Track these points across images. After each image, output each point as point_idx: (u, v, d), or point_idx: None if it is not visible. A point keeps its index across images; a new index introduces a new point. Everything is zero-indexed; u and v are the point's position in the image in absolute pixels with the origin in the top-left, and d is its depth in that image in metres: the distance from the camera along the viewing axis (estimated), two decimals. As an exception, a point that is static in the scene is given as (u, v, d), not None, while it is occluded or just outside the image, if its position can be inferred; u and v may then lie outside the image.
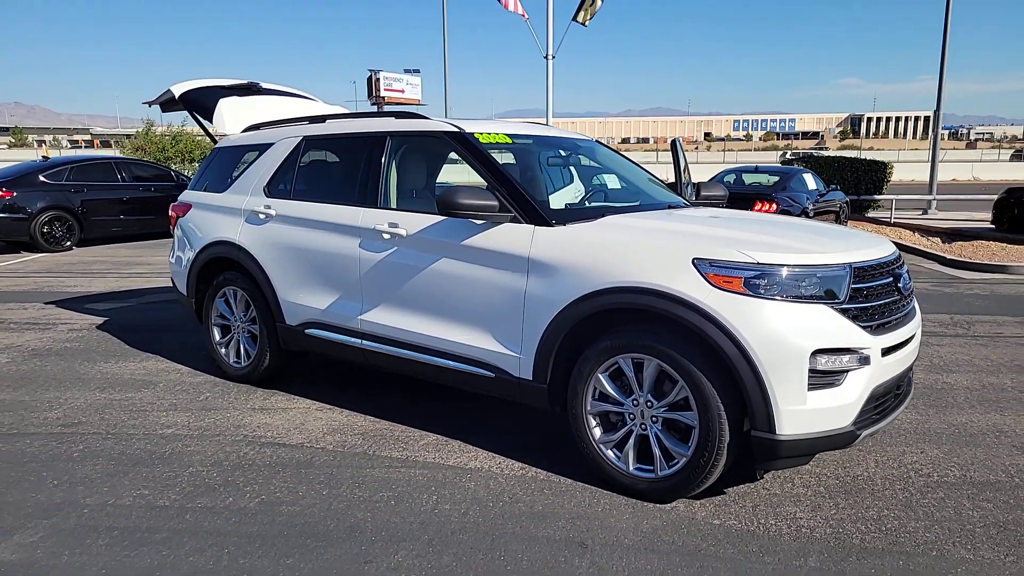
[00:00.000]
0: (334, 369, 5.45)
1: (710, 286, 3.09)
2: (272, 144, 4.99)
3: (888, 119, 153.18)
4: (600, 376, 3.42)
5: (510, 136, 4.32)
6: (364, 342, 4.30)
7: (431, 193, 4.53)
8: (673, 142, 5.78)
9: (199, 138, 22.96)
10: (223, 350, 5.20)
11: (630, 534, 3.06)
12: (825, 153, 32.91)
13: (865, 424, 3.19)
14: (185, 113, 6.08)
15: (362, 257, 4.24)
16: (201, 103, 5.67)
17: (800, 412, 3.00)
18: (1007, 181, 36.50)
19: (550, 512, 3.25)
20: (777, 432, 3.00)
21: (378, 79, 27.27)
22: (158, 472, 3.67)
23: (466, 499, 3.38)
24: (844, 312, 3.11)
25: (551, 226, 3.62)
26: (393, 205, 4.31)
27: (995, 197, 14.95)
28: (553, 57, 16.51)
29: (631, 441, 3.38)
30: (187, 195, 5.58)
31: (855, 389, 3.10)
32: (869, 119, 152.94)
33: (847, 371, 3.08)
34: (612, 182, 4.69)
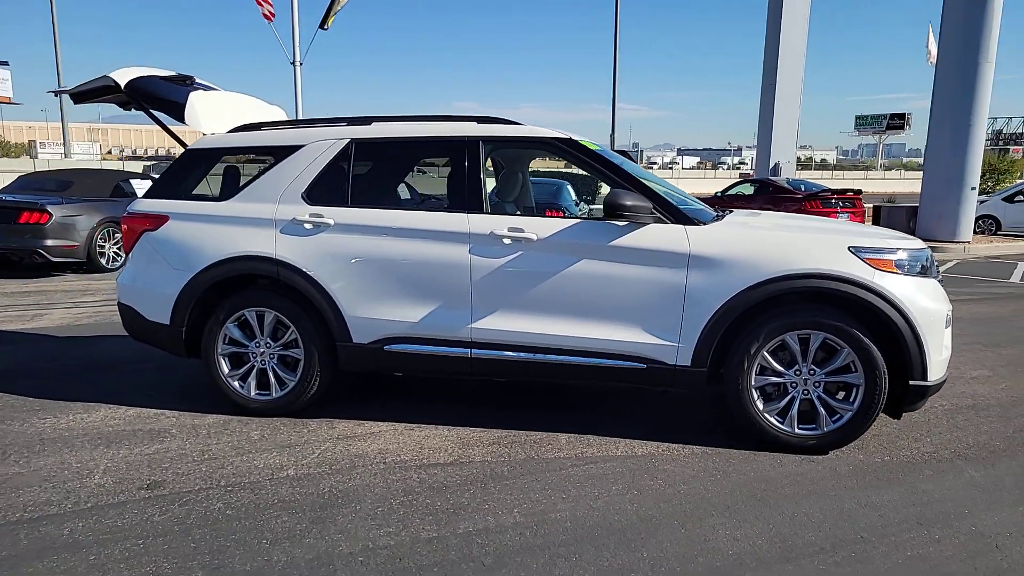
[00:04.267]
0: (366, 387, 5.01)
1: (872, 268, 3.81)
2: (301, 147, 4.48)
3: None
4: (765, 353, 3.92)
5: (595, 144, 4.56)
6: (475, 351, 4.19)
7: (528, 196, 4.54)
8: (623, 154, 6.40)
9: None
10: (236, 383, 4.50)
11: (841, 480, 3.63)
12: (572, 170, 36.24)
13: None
14: None
15: (474, 264, 4.13)
16: (156, 95, 4.75)
17: (939, 362, 3.88)
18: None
19: (764, 477, 3.67)
20: (928, 379, 3.83)
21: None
22: (357, 511, 3.24)
23: (684, 480, 3.62)
24: (938, 283, 4.07)
25: (696, 225, 4.02)
26: (489, 210, 4.27)
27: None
28: (301, 63, 15.99)
29: (795, 406, 3.94)
30: (154, 204, 4.64)
31: (950, 342, 4.08)
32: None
33: (947, 329, 4.04)
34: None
